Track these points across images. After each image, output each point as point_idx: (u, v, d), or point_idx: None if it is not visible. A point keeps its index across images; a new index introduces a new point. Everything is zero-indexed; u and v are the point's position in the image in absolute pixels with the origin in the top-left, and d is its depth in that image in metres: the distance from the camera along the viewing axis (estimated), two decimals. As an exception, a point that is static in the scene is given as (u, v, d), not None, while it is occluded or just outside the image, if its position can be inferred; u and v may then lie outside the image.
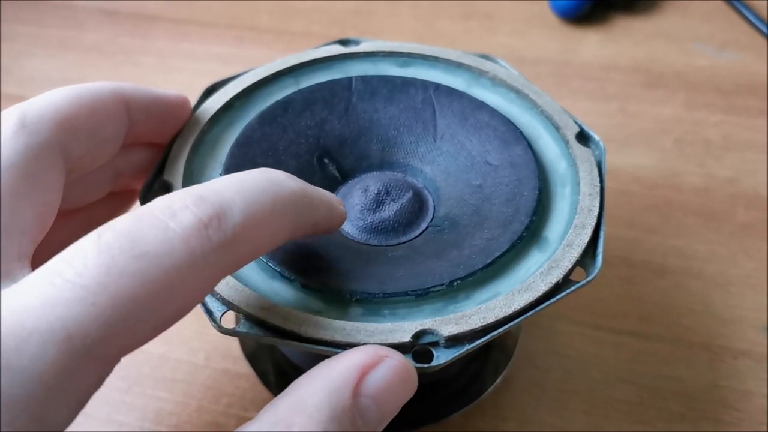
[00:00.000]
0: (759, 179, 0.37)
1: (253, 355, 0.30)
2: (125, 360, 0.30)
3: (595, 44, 0.47)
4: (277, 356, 0.30)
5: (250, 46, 0.48)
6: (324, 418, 0.16)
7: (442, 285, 0.20)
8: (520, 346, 0.30)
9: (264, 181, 0.18)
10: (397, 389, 0.18)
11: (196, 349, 0.31)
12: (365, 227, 0.24)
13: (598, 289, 0.32)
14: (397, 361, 0.18)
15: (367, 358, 0.17)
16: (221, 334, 0.31)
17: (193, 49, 0.47)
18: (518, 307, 0.20)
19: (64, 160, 0.20)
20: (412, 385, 0.18)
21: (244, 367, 0.30)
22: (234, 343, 0.31)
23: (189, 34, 0.49)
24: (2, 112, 0.19)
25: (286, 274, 0.21)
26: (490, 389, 0.29)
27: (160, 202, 0.16)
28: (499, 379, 0.29)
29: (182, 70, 0.46)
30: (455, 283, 0.21)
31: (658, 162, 0.39)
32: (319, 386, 0.17)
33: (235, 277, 0.21)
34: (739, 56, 0.45)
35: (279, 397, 0.17)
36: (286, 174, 0.19)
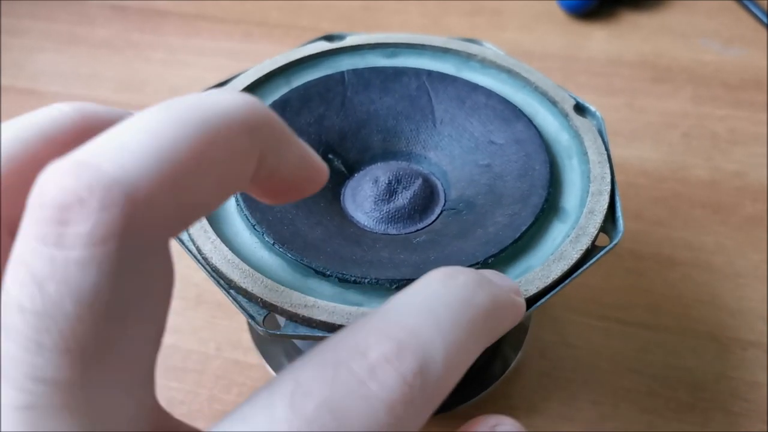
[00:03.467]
0: (765, 172, 0.37)
1: (264, 347, 0.30)
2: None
3: (602, 39, 0.47)
4: (288, 347, 0.30)
5: (259, 42, 0.48)
6: None
7: (478, 263, 0.21)
8: (530, 336, 0.30)
9: (458, 302, 0.14)
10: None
11: (207, 339, 0.31)
12: (381, 217, 0.25)
13: (606, 281, 0.33)
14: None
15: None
16: (231, 325, 0.32)
17: (203, 45, 0.48)
18: (556, 276, 0.20)
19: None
20: None
21: (254, 358, 0.30)
22: (245, 334, 0.31)
23: (199, 30, 0.49)
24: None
25: (321, 269, 0.21)
26: (500, 379, 0.29)
27: (349, 341, 0.13)
28: (509, 370, 0.29)
29: (192, 65, 0.46)
30: (490, 260, 0.21)
31: (665, 155, 0.39)
32: None
33: (270, 278, 0.21)
34: (745, 52, 0.45)
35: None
36: (479, 280, 0.15)
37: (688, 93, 0.43)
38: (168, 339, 0.31)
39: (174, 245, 0.21)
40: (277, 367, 0.30)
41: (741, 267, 0.33)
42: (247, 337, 0.31)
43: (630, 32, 0.47)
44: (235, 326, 0.32)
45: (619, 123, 0.41)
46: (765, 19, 0.47)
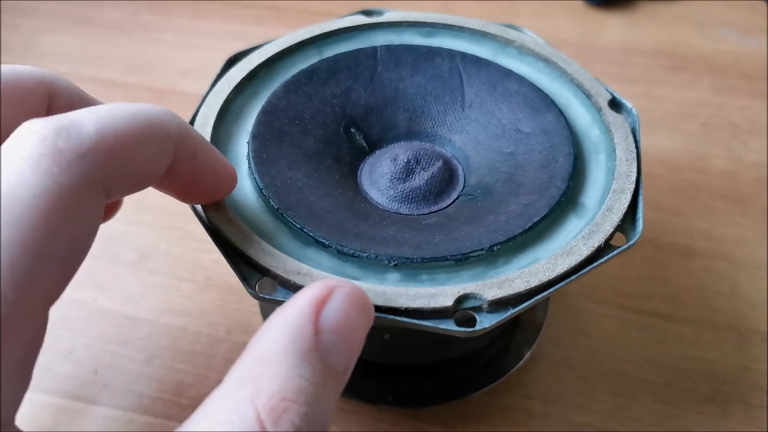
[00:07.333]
0: (786, 164, 0.37)
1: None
2: (144, 331, 0.30)
3: (618, 28, 0.46)
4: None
5: (269, 25, 0.47)
6: (293, 362, 0.15)
7: (482, 250, 0.20)
8: (546, 325, 0.30)
9: (131, 107, 0.17)
10: (356, 319, 0.16)
11: (217, 322, 0.31)
12: (395, 196, 0.24)
13: (623, 270, 0.32)
14: (349, 288, 0.16)
15: (319, 292, 0.16)
16: (241, 308, 0.31)
17: (213, 27, 0.47)
18: (561, 271, 0.19)
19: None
20: (369, 312, 0.17)
21: (264, 342, 0.30)
22: (255, 317, 0.31)
23: (208, 12, 0.48)
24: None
25: (321, 239, 0.20)
26: (516, 367, 0.28)
27: (8, 141, 0.15)
28: (524, 358, 0.29)
29: (201, 48, 0.45)
30: (495, 248, 0.20)
31: (683, 145, 0.38)
32: (279, 332, 0.15)
33: (270, 243, 0.20)
34: (764, 42, 0.45)
35: (241, 355, 0.16)
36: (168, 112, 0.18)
37: (707, 82, 0.42)
38: (177, 321, 0.31)
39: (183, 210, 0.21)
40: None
41: (762, 258, 0.32)
42: (257, 320, 0.31)
43: (647, 21, 0.47)
44: (245, 309, 0.31)
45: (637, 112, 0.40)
46: (785, 10, 0.46)
